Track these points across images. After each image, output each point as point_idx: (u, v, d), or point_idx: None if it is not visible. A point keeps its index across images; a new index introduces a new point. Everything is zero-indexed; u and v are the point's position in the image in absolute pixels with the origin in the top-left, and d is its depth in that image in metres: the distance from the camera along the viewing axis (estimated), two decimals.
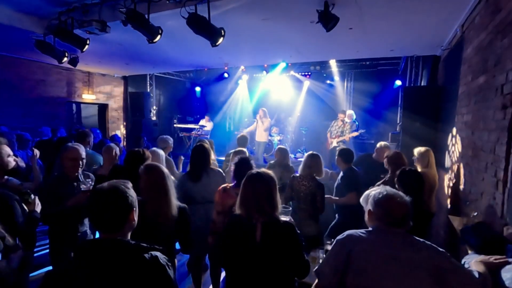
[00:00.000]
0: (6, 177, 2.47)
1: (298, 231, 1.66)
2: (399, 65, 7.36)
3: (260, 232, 1.60)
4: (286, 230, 1.62)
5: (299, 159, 8.22)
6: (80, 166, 2.48)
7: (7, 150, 2.51)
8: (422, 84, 5.92)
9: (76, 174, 2.50)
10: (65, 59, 4.47)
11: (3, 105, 5.89)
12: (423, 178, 2.51)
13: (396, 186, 2.42)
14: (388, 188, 1.52)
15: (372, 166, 3.75)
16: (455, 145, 3.29)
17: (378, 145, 3.91)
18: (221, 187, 2.37)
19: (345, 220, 3.19)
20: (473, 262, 1.45)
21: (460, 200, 2.89)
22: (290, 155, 8.18)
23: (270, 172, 1.74)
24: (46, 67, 6.62)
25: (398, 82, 7.53)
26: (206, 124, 9.04)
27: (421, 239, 1.40)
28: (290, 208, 2.16)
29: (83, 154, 2.51)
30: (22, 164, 3.21)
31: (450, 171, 3.43)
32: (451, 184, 3.31)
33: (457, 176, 3.06)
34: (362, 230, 1.48)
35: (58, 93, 7.05)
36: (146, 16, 3.14)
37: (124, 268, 1.06)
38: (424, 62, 5.91)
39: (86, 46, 3.93)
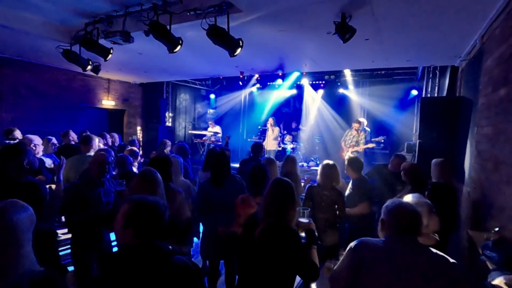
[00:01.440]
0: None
1: (302, 237, 1.75)
2: (415, 74, 7.28)
3: (260, 229, 1.68)
4: (287, 234, 1.67)
5: (312, 168, 8.20)
6: (106, 170, 2.57)
7: (32, 151, 2.67)
8: (439, 94, 5.83)
9: (103, 179, 2.59)
10: (89, 67, 4.67)
11: (28, 110, 6.19)
12: (456, 193, 2.47)
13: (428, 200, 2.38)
14: (405, 199, 1.54)
15: (387, 177, 3.71)
16: (474, 157, 3.22)
17: (393, 156, 3.87)
18: (239, 197, 2.40)
19: (355, 229, 3.16)
20: (498, 281, 1.43)
21: (480, 214, 2.82)
22: (302, 163, 8.25)
23: (289, 181, 1.82)
24: (70, 74, 6.91)
25: (414, 92, 7.43)
26: (214, 129, 9.19)
27: (433, 249, 1.40)
28: (309, 209, 2.18)
29: (110, 159, 2.61)
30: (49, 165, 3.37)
31: (469, 185, 3.35)
32: (470, 198, 3.23)
33: (477, 189, 2.99)
34: (376, 239, 1.49)
35: (80, 99, 7.34)
36: (168, 27, 3.25)
37: (161, 269, 1.16)
38: (442, 72, 5.83)
39: (110, 55, 4.09)
